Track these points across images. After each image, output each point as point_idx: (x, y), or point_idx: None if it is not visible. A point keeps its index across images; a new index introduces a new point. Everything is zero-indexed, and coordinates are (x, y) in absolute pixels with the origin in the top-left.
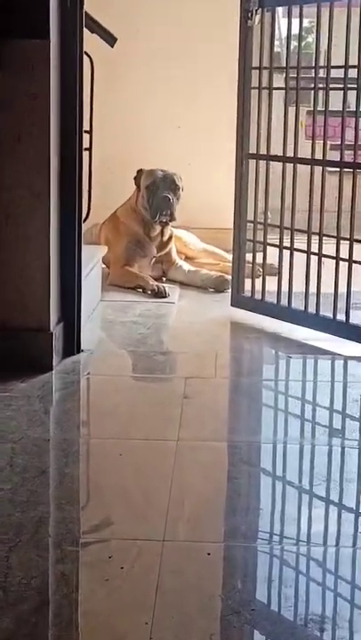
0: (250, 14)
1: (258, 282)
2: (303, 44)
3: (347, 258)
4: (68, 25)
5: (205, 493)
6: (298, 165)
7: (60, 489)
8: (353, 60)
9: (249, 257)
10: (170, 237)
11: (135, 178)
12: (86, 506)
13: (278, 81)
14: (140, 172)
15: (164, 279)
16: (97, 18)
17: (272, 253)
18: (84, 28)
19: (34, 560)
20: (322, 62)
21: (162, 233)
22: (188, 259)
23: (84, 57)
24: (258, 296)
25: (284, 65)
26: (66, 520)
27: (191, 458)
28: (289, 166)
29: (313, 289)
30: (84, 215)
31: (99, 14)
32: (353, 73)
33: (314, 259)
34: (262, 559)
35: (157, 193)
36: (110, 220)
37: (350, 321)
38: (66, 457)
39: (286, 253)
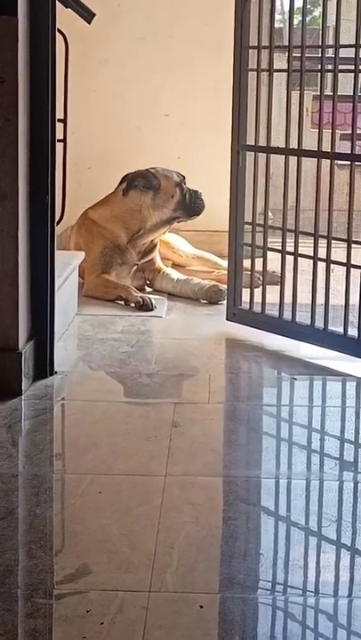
0: None
1: (257, 292)
2: (308, 18)
3: (359, 265)
4: None
5: (197, 537)
6: (303, 159)
7: (31, 532)
8: None
9: (247, 263)
10: (156, 243)
11: (134, 178)
12: (61, 552)
13: (280, 62)
14: (144, 172)
15: (149, 289)
16: None
17: (273, 259)
18: (57, 2)
19: (0, 615)
20: (330, 40)
21: (152, 239)
22: (177, 266)
23: (57, 35)
24: (257, 308)
25: (287, 43)
26: (37, 568)
27: (181, 496)
28: (292, 159)
29: (320, 300)
30: (57, 217)
31: None
32: None
33: (321, 265)
34: (263, 612)
35: (190, 190)
36: (81, 223)
37: None
38: (37, 495)
39: (290, 259)
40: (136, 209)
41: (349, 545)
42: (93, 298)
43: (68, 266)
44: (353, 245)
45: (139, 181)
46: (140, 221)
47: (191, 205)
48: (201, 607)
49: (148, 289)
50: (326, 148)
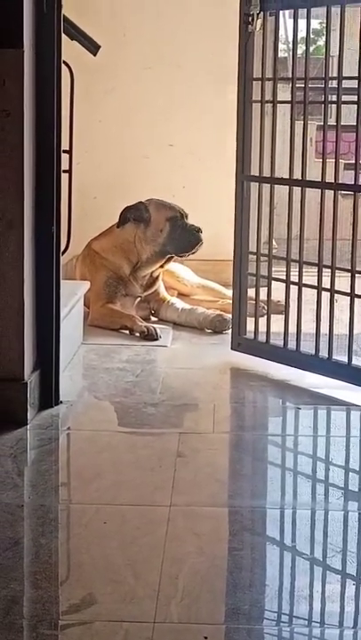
0: (250, 19)
1: (262, 321)
2: (312, 48)
3: None
4: (44, 31)
5: (202, 567)
6: (306, 189)
7: (36, 563)
8: None
9: (251, 293)
10: (158, 276)
11: (128, 210)
12: (66, 582)
13: (283, 93)
14: (139, 205)
15: (154, 318)
16: (77, 23)
17: (278, 289)
18: (63, 35)
19: None
20: (333, 71)
21: (152, 273)
22: (181, 295)
23: (63, 67)
24: (262, 338)
25: (290, 75)
26: (42, 599)
27: (186, 526)
28: (296, 190)
29: (325, 329)
30: (62, 246)
31: (79, 19)
32: None
33: (325, 295)
34: None
35: (187, 226)
36: (87, 255)
37: None
38: (42, 525)
39: (294, 289)
40: (131, 241)
41: (355, 575)
42: (98, 327)
43: (73, 295)
44: (357, 275)
45: (131, 213)
46: (137, 254)
47: (181, 241)
48: (206, 638)
49: (154, 318)
50: (330, 178)
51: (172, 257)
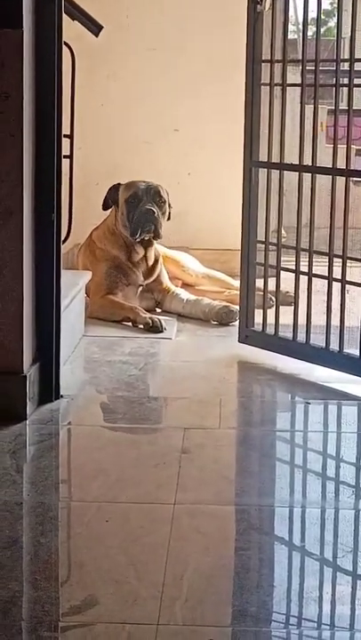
0: None
1: (270, 313)
2: (323, 30)
3: None
4: (44, 11)
5: (208, 568)
6: (317, 176)
7: (35, 562)
8: None
9: (259, 283)
10: (156, 261)
11: (110, 193)
12: (66, 583)
13: (293, 75)
14: (116, 186)
15: (158, 310)
16: (78, 2)
17: (287, 279)
18: (64, 15)
19: None
20: (345, 53)
21: (145, 256)
22: (186, 286)
23: (64, 48)
24: (270, 330)
25: (300, 57)
26: (42, 600)
27: (191, 525)
28: (306, 177)
29: (335, 322)
30: (63, 235)
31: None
32: None
33: (336, 286)
34: None
35: (139, 206)
36: (86, 245)
37: None
38: (42, 524)
39: (304, 279)
40: (113, 225)
41: None
42: (98, 319)
43: (74, 285)
44: None
45: (110, 196)
46: (122, 238)
47: (134, 224)
48: None
49: (158, 310)
50: (341, 164)
51: (148, 240)
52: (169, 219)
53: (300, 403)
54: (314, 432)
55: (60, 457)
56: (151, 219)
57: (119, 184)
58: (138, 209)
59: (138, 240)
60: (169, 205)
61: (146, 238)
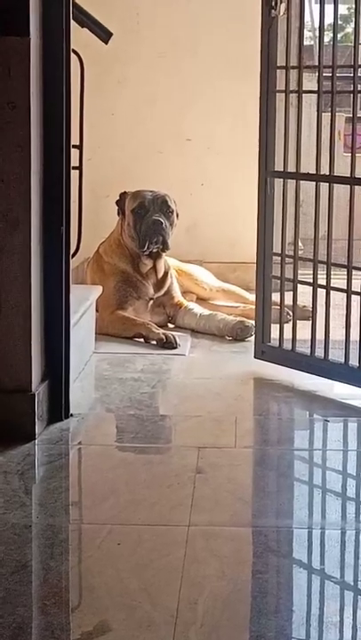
0: (274, 2)
1: (287, 328)
2: (340, 35)
3: None
4: (52, 18)
5: (223, 592)
6: (334, 185)
7: (45, 587)
8: None
9: (276, 297)
10: (166, 273)
11: (118, 202)
12: (77, 608)
13: (310, 82)
14: (123, 194)
15: (171, 325)
16: (87, 8)
17: (304, 293)
18: (72, 22)
19: None
20: None
21: (155, 268)
22: (201, 300)
23: (73, 56)
24: (287, 346)
25: (317, 63)
26: (52, 626)
27: (206, 548)
28: (324, 186)
29: (355, 336)
30: (72, 249)
31: (89, 4)
32: None
33: (355, 299)
34: None
35: (146, 217)
36: (94, 260)
37: None
38: (51, 547)
39: (321, 293)
40: (120, 236)
41: None
42: (107, 335)
43: (84, 301)
44: None
45: (118, 206)
46: (128, 249)
47: (141, 236)
48: None
49: (171, 325)
50: (359, 173)
51: (156, 252)
52: (172, 225)
53: (319, 420)
54: (333, 451)
55: (71, 478)
56: (159, 230)
57: (126, 192)
58: (145, 220)
59: (146, 253)
60: (177, 215)
61: (154, 250)
